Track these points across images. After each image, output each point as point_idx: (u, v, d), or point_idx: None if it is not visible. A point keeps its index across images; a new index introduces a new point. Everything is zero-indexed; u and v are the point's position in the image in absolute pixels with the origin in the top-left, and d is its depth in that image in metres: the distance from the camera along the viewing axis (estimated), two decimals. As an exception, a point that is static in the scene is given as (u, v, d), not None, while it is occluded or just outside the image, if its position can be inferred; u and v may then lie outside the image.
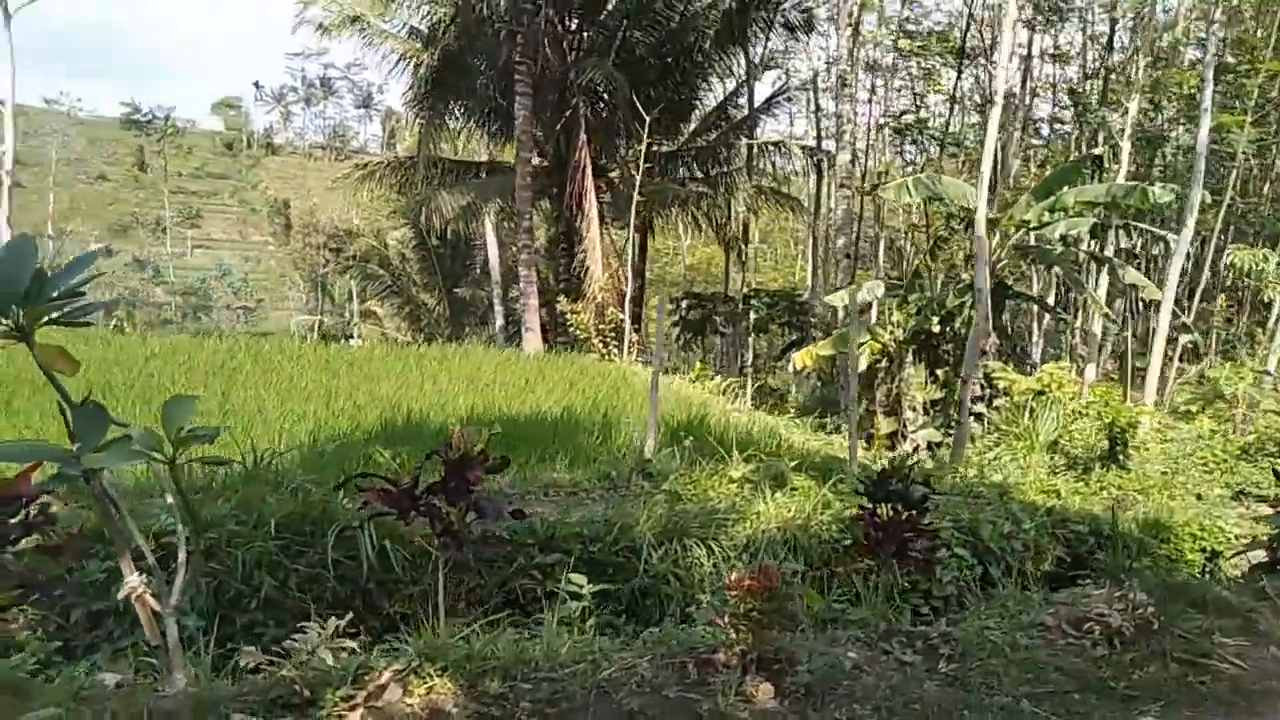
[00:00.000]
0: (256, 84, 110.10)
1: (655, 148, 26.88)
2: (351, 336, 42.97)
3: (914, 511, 4.43)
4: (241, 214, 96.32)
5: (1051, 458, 9.65)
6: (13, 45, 27.25)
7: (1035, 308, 23.43)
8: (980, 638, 4.50)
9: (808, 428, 17.36)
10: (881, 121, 23.17)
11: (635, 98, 25.14)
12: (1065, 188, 16.19)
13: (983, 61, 22.98)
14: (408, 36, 23.26)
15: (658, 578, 6.15)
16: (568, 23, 22.85)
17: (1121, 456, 8.61)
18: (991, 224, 16.97)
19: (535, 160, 26.21)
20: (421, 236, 36.11)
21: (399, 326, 41.76)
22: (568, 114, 21.19)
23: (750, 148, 27.68)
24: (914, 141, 26.41)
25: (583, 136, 19.98)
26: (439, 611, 3.99)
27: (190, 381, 11.24)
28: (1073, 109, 20.69)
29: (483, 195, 22.57)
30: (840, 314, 24.10)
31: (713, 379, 17.18)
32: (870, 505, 4.44)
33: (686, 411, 12.39)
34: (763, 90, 30.30)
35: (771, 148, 26.37)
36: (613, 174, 21.67)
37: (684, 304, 31.14)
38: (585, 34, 23.51)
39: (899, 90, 26.25)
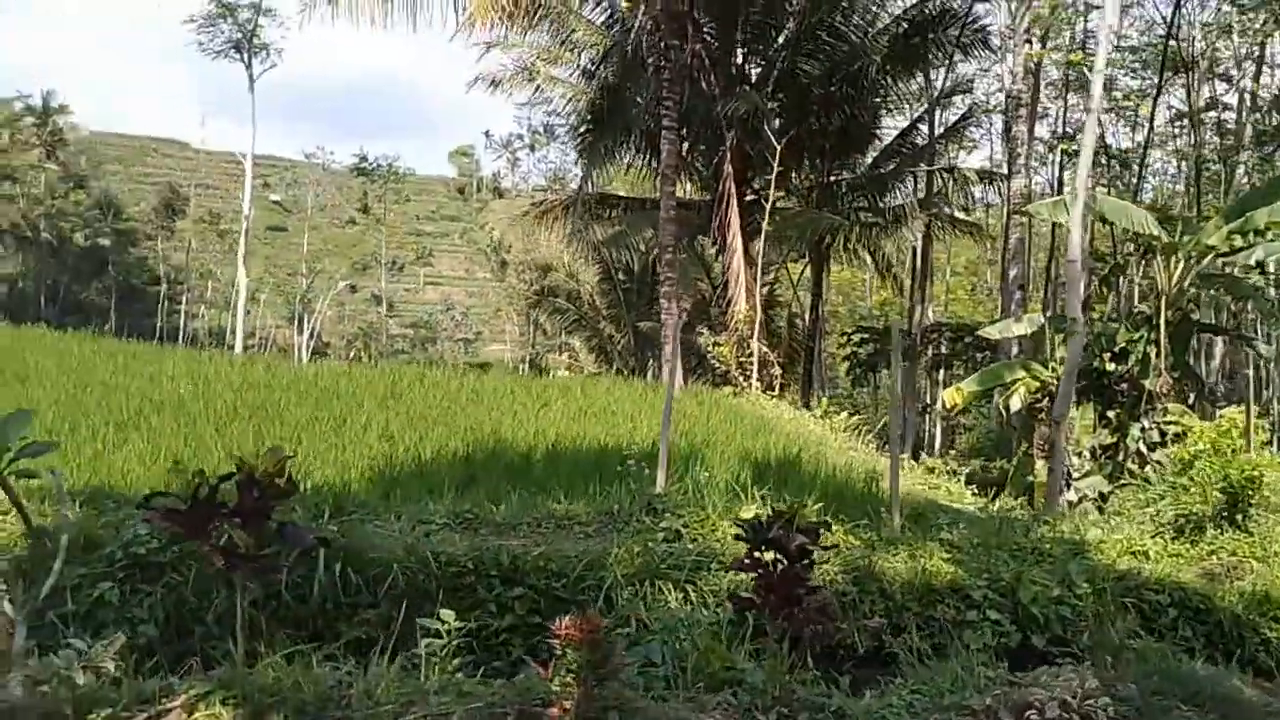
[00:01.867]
0: (486, 133, 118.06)
1: (827, 177, 26.36)
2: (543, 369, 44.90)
3: (801, 563, 3.92)
4: (469, 253, 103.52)
5: (1155, 515, 8.28)
6: (254, 106, 31.18)
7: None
8: (875, 718, 3.91)
9: (943, 473, 16.13)
10: (1053, 142, 21.21)
11: (799, 128, 24.80)
12: (1263, 208, 14.15)
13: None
14: (579, 79, 24.10)
15: (620, 621, 5.86)
16: (730, 55, 22.89)
17: (1240, 516, 7.24)
18: (1170, 249, 15.13)
19: (695, 194, 26.44)
20: (608, 271, 37.11)
21: (589, 359, 43.15)
22: (723, 147, 21.13)
23: (929, 175, 26.42)
24: (1099, 165, 24.02)
25: (727, 168, 19.79)
26: (240, 638, 3.97)
27: (304, 404, 12.07)
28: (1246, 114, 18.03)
29: (637, 229, 22.90)
30: (1014, 349, 22.29)
31: (840, 415, 16.34)
32: (755, 554, 3.98)
33: (777, 447, 11.88)
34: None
35: (945, 174, 24.98)
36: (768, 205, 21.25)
37: (854, 338, 30.03)
38: (746, 66, 23.42)
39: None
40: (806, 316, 31.86)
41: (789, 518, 3.96)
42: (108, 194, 71.52)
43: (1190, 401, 16.46)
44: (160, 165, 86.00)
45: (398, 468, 9.93)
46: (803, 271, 32.76)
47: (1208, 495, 7.62)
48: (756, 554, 3.94)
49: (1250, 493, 7.29)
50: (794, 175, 26.47)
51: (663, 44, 18.94)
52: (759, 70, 23.48)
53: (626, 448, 10.85)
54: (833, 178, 26.34)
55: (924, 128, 26.62)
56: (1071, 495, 15.73)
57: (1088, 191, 17.00)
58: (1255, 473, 7.21)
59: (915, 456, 24.33)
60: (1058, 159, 25.22)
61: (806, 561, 3.94)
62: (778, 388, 19.55)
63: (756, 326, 18.56)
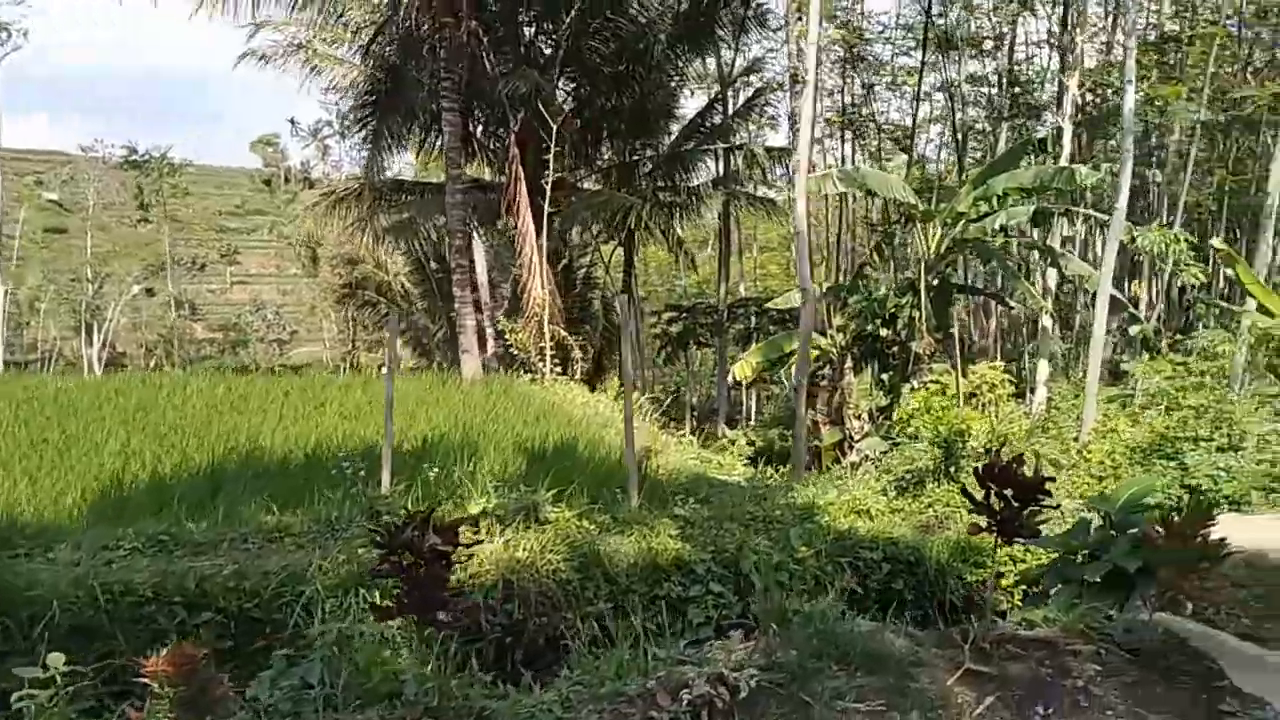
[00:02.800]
0: (292, 120, 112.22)
1: (628, 157, 26.44)
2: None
3: (440, 564, 3.69)
4: (279, 248, 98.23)
5: (882, 478, 8.67)
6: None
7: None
8: (524, 715, 3.74)
9: (733, 447, 16.43)
10: (828, 116, 22.15)
11: (591, 108, 24.71)
12: (1002, 175, 15.15)
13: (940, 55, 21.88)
14: (360, 59, 22.96)
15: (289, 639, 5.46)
16: (519, 33, 22.47)
17: (953, 469, 7.65)
18: (927, 216, 15.99)
19: (493, 176, 25.92)
20: (419, 260, 35.92)
21: (405, 353, 41.73)
22: (510, 128, 20.74)
23: (726, 154, 26.99)
24: (858, 135, 25.31)
25: (514, 150, 19.41)
26: None
27: (32, 424, 10.89)
28: (1005, 88, 19.47)
29: (427, 214, 22.19)
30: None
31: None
32: (392, 558, 3.71)
33: (556, 434, 11.71)
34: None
35: (737, 152, 25.58)
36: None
37: (663, 316, 30.45)
38: (535, 44, 23.06)
39: (867, 85, 25.15)
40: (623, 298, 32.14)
41: (425, 518, 3.71)
42: None
43: (955, 360, 17.52)
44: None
45: (128, 488, 9.08)
46: (612, 253, 32.96)
47: (932, 451, 8.00)
48: (394, 558, 3.67)
49: (959, 445, 7.68)
50: (591, 155, 26.47)
51: (436, 21, 18.29)
52: (550, 49, 23.20)
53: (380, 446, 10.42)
54: (635, 157, 26.52)
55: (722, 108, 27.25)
56: (854, 457, 16.46)
57: (854, 166, 17.72)
58: (963, 426, 7.61)
59: (731, 426, 24.89)
60: (844, 135, 26.28)
61: (444, 563, 3.70)
62: (579, 372, 19.40)
63: (545, 310, 18.29)
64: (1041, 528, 4.48)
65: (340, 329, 69.27)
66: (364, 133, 22.67)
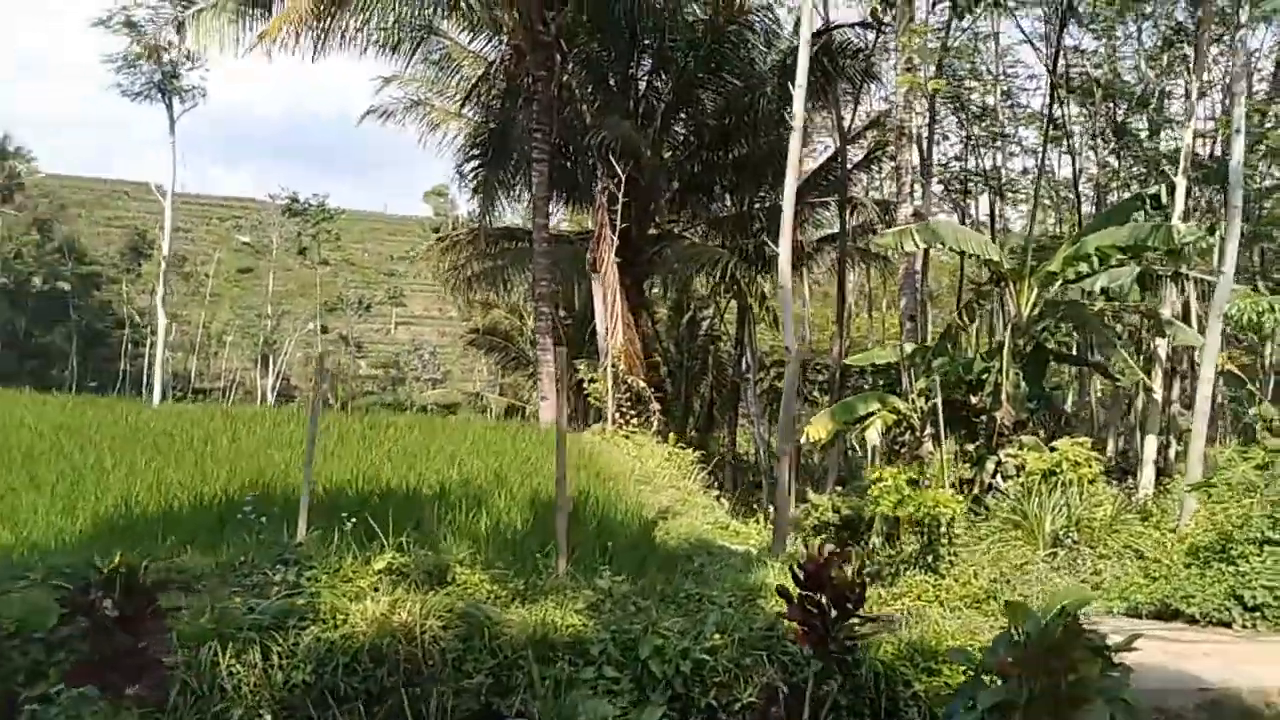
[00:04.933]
0: (459, 170, 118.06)
1: (743, 208, 26.14)
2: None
3: (131, 627, 3.43)
4: (442, 293, 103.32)
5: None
6: (175, 145, 31.13)
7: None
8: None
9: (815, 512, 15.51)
10: (933, 170, 20.97)
11: (696, 160, 24.62)
12: (1096, 233, 13.81)
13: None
14: (473, 111, 23.83)
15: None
16: (626, 86, 22.73)
17: (931, 557, 6.71)
18: (1016, 275, 14.78)
19: (590, 224, 26.17)
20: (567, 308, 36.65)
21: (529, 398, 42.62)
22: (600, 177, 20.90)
23: (840, 208, 26.25)
24: (965, 190, 23.80)
25: (601, 199, 19.49)
26: None
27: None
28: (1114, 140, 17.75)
29: (521, 264, 22.57)
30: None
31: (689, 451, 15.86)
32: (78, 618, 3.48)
33: (578, 487, 11.38)
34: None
35: (845, 205, 24.76)
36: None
37: (770, 372, 29.65)
38: (640, 98, 23.25)
39: (976, 140, 23.77)
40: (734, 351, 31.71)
41: (112, 575, 3.47)
42: (69, 237, 71.31)
43: (1052, 432, 15.97)
44: (128, 208, 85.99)
45: (132, 514, 9.39)
46: (727, 305, 32.53)
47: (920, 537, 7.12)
48: (78, 620, 3.45)
49: (937, 531, 6.77)
50: (700, 206, 26.33)
51: (530, 75, 18.74)
52: (657, 102, 23.35)
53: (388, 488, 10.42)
54: (745, 209, 26.18)
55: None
56: (935, 531, 15.19)
57: (937, 222, 16.66)
58: (936, 511, 6.70)
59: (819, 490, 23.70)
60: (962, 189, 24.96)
61: (136, 628, 3.44)
62: (655, 424, 19.02)
63: (622, 360, 18.08)
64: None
65: (489, 370, 71.85)
66: (475, 182, 23.42)
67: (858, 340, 35.29)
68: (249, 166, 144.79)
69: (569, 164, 22.72)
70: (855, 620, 3.74)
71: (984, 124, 22.13)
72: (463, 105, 20.48)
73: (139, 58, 30.89)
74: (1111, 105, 19.44)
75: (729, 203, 26.86)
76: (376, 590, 6.26)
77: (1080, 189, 21.94)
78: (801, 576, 3.76)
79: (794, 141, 9.24)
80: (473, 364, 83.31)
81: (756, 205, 25.70)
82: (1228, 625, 7.55)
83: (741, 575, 7.16)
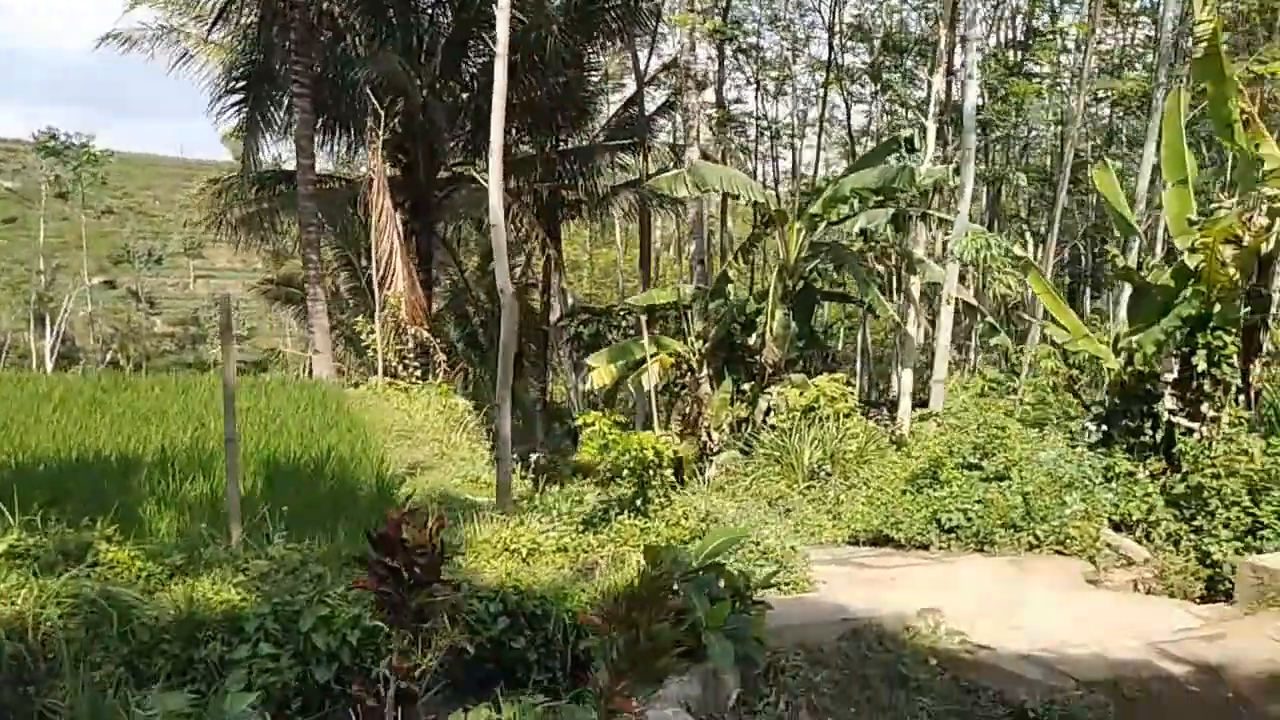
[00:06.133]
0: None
1: (548, 151, 25.41)
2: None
3: None
4: (244, 244, 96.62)
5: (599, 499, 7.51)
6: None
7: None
8: None
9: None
10: (710, 112, 21.16)
11: (485, 100, 23.61)
12: (852, 174, 14.11)
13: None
14: (241, 44, 21.79)
15: None
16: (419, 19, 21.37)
17: (640, 500, 6.57)
18: (782, 218, 14.94)
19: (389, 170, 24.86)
20: (348, 258, 34.90)
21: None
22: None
23: (643, 152, 26.05)
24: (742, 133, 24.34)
25: (372, 140, 18.31)
26: None
27: None
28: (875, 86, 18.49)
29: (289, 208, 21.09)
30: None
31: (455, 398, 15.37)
32: None
33: (331, 444, 10.71)
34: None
35: (639, 150, 24.58)
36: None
37: (575, 319, 29.41)
38: (424, 35, 21.99)
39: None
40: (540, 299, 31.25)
41: None
42: None
43: (820, 371, 16.45)
44: None
45: None
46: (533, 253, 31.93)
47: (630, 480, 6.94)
48: None
49: (651, 473, 6.62)
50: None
51: (286, 3, 17.21)
52: (438, 38, 22.13)
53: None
54: (545, 153, 25.47)
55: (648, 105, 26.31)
56: (712, 471, 15.39)
57: (706, 164, 16.68)
58: (643, 453, 6.54)
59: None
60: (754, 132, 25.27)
61: None
62: (440, 375, 18.31)
63: (405, 308, 17.23)
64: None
65: (300, 326, 68.15)
66: (239, 119, 21.54)
67: (675, 284, 35.66)
68: (33, 110, 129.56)
69: (343, 103, 21.21)
70: (438, 585, 3.37)
71: (773, 72, 22.32)
72: (209, 30, 18.56)
73: None
74: (882, 54, 20.03)
75: (528, 147, 26.12)
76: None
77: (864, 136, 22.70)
78: (375, 537, 3.35)
79: (499, 66, 8.71)
80: (283, 319, 78.95)
81: (562, 149, 25.12)
82: (926, 548, 7.87)
83: (445, 533, 6.72)
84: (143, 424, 12.04)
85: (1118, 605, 6.79)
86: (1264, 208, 8.06)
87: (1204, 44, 8.14)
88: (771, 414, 14.89)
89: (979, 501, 7.85)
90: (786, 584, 6.36)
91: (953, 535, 7.79)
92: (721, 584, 4.60)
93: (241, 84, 20.56)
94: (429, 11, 22.32)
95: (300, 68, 17.38)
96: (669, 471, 6.85)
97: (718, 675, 4.26)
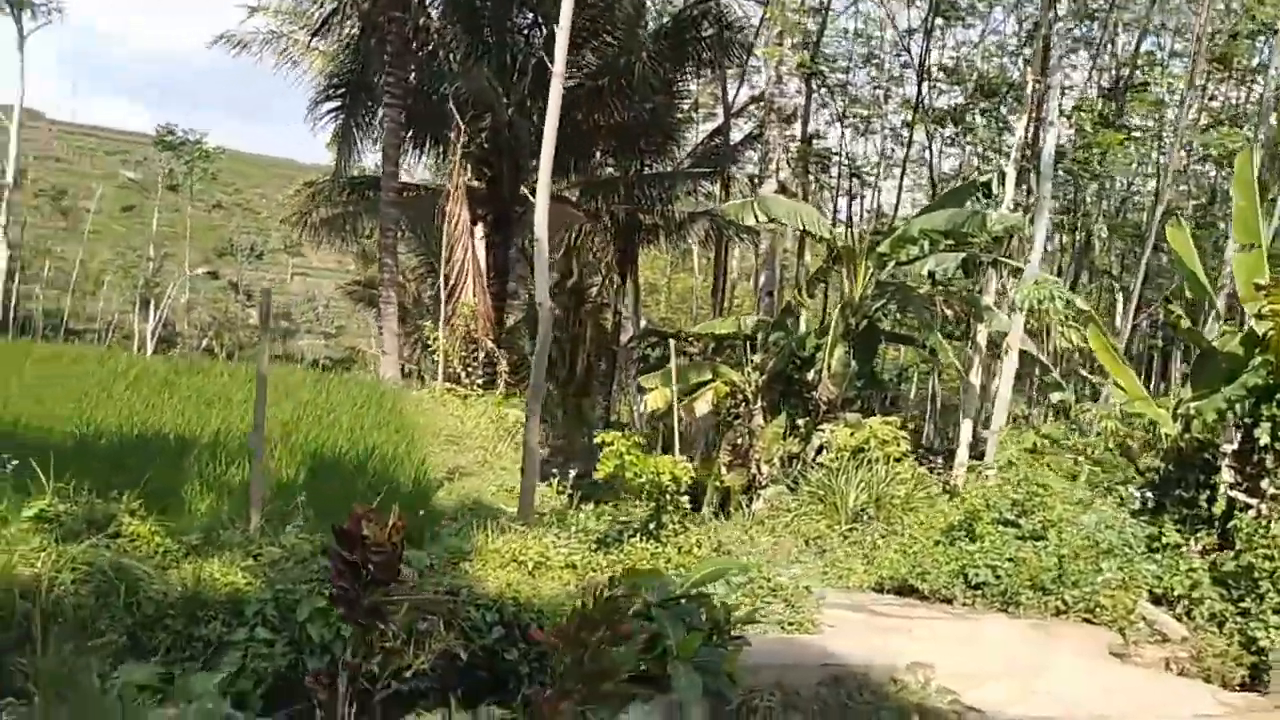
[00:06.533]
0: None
1: (630, 174, 25.70)
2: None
3: None
4: (340, 245, 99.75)
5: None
6: (23, 67, 28.97)
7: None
8: None
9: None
10: (792, 145, 21.03)
11: (567, 121, 23.99)
12: (921, 217, 13.88)
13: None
14: (309, 45, 22.49)
15: None
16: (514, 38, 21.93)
17: (653, 525, 6.52)
18: (849, 255, 14.78)
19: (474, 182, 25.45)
20: (432, 264, 35.70)
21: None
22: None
23: (723, 180, 26.19)
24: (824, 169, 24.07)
25: (455, 153, 18.79)
26: None
27: None
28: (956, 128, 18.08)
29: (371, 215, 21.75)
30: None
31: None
32: None
33: (377, 443, 11.01)
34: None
35: (718, 179, 24.65)
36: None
37: (644, 342, 29.49)
38: (519, 56, 22.53)
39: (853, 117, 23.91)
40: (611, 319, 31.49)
41: None
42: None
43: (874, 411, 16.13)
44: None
45: None
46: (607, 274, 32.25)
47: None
48: None
49: (666, 499, 6.58)
50: (578, 169, 25.79)
51: (384, 15, 17.88)
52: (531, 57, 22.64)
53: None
54: (626, 175, 25.74)
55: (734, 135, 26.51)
56: (759, 505, 15.24)
57: (775, 197, 16.59)
58: (660, 478, 6.49)
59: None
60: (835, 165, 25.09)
61: None
62: (501, 386, 18.59)
63: (475, 318, 17.61)
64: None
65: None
66: (337, 126, 22.37)
67: (741, 314, 35.57)
68: (130, 102, 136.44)
69: (434, 115, 21.84)
70: (395, 585, 3.41)
71: (861, 110, 22.17)
72: (313, 36, 19.38)
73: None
74: (974, 97, 19.71)
75: (612, 169, 26.46)
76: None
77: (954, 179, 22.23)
78: (338, 531, 3.41)
79: (554, 86, 8.87)
80: (368, 320, 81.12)
81: (645, 174, 25.38)
82: (950, 602, 7.61)
83: (458, 539, 6.82)
84: (206, 407, 12.55)
85: (1146, 682, 6.45)
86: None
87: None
88: (823, 452, 14.68)
89: (1010, 559, 7.58)
90: (791, 624, 6.24)
91: (978, 592, 7.53)
92: (704, 615, 4.53)
93: (340, 91, 21.39)
94: (525, 33, 22.89)
95: (394, 79, 17.99)
96: (684, 498, 6.80)
97: (684, 708, 4.18)
